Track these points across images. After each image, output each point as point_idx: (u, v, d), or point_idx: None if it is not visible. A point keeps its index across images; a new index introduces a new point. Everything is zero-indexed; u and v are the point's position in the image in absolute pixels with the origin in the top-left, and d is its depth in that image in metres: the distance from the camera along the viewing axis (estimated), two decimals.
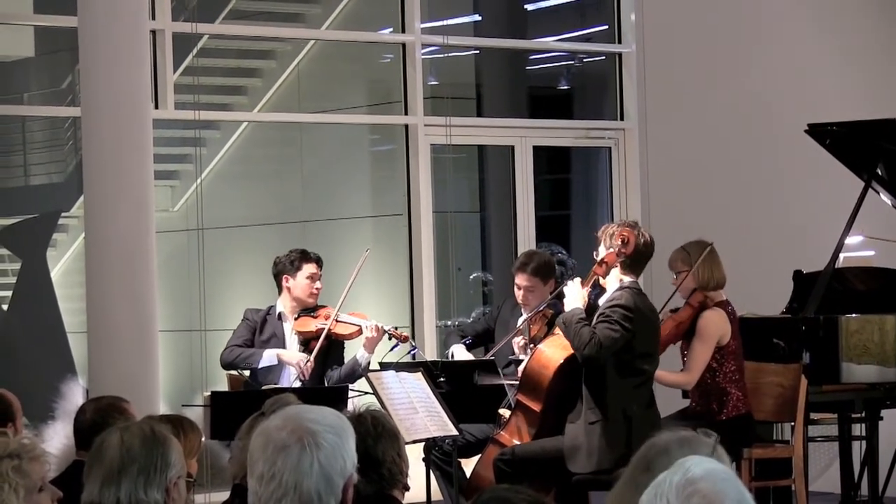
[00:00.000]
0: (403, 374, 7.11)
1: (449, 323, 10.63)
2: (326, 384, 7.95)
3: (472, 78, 11.74)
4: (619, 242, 6.86)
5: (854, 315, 8.18)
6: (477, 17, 12.07)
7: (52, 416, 8.85)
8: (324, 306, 8.14)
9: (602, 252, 6.92)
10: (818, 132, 8.64)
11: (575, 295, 6.91)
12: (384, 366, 7.32)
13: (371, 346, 7.94)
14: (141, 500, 3.58)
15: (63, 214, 11.50)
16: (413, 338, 9.79)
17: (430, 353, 9.83)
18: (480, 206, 11.81)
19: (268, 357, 8.00)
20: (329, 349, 8.02)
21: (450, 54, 11.01)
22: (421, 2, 10.40)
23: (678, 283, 7.75)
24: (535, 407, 7.07)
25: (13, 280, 11.11)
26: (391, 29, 10.70)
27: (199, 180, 10.57)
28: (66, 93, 11.09)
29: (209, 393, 7.52)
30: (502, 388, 7.39)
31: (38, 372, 9.99)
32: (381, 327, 7.91)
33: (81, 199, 8.79)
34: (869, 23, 10.90)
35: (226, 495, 5.03)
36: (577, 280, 7.05)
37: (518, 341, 7.70)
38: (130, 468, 3.60)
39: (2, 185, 11.69)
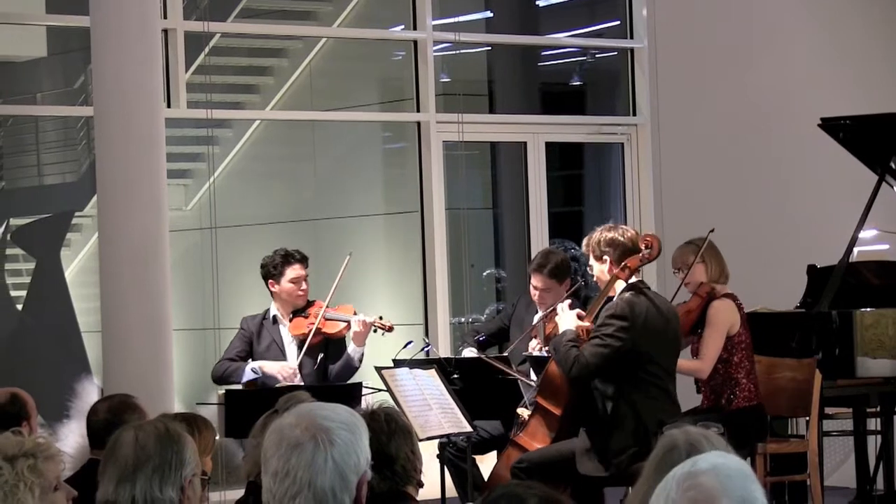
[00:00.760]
0: (417, 371, 7.11)
1: (463, 320, 10.62)
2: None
3: (484, 75, 11.73)
4: (643, 247, 6.83)
5: (869, 309, 8.16)
6: (488, 14, 12.06)
7: (67, 415, 8.88)
8: (314, 302, 8.02)
9: (595, 265, 6.87)
10: (831, 126, 8.62)
11: (567, 319, 6.88)
12: (398, 363, 7.29)
13: (360, 340, 7.84)
14: (156, 498, 3.59)
15: (77, 214, 11.52)
16: (426, 335, 9.80)
17: (443, 350, 9.82)
18: (493, 203, 11.79)
19: (249, 371, 7.85)
20: (329, 345, 7.96)
21: (461, 51, 10.99)
22: None
23: (685, 277, 7.74)
24: (556, 411, 7.00)
25: (27, 280, 11.12)
26: (403, 26, 10.69)
27: (211, 179, 10.58)
28: (79, 92, 11.10)
29: (223, 391, 7.52)
30: (517, 386, 7.37)
31: (52, 371, 10.01)
32: (367, 321, 7.86)
33: (95, 198, 8.80)
34: (882, 17, 10.87)
35: (240, 493, 5.05)
36: (567, 303, 7.04)
37: (533, 345, 7.70)
38: (145, 466, 3.60)
39: (16, 185, 11.70)
